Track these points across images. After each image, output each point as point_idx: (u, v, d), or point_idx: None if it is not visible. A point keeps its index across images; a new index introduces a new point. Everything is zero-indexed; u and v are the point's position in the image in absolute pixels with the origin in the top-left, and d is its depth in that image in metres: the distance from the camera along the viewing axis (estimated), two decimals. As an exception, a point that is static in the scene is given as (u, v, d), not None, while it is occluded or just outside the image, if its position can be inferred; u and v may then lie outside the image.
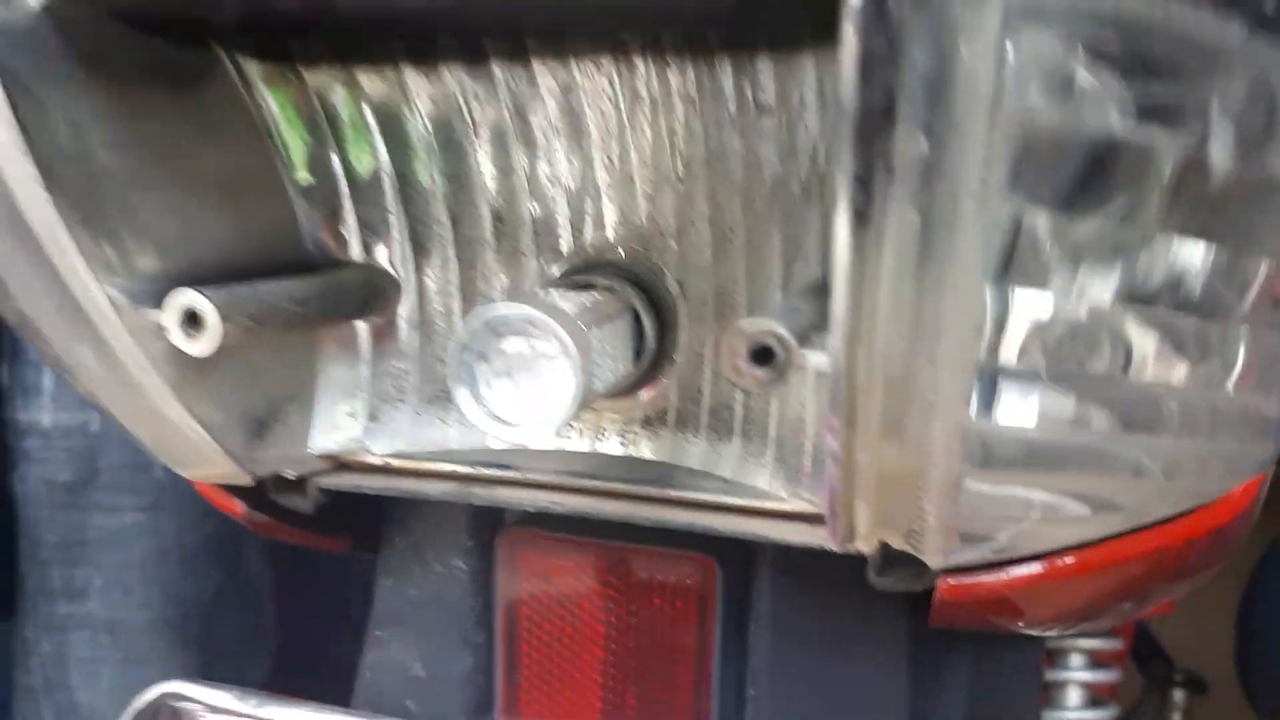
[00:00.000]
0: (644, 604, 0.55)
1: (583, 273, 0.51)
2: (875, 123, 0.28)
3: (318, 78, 0.49)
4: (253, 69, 0.48)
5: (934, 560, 0.40)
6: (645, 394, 0.52)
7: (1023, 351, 0.33)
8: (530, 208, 0.51)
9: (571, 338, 0.42)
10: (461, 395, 0.43)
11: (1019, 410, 0.34)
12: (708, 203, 0.48)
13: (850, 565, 0.54)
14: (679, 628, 0.55)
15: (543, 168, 0.50)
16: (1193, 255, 0.34)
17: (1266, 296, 0.39)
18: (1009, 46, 0.26)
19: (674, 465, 0.51)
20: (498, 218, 0.52)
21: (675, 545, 0.54)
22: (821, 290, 0.43)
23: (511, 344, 0.43)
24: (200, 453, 0.47)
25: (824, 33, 0.40)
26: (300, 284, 0.47)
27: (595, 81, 0.47)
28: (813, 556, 0.53)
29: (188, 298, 0.41)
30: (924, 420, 0.33)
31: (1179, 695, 1.24)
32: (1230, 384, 0.40)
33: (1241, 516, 0.49)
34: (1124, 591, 0.49)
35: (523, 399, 0.43)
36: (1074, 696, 0.72)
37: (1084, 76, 0.28)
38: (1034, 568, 0.42)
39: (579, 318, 0.44)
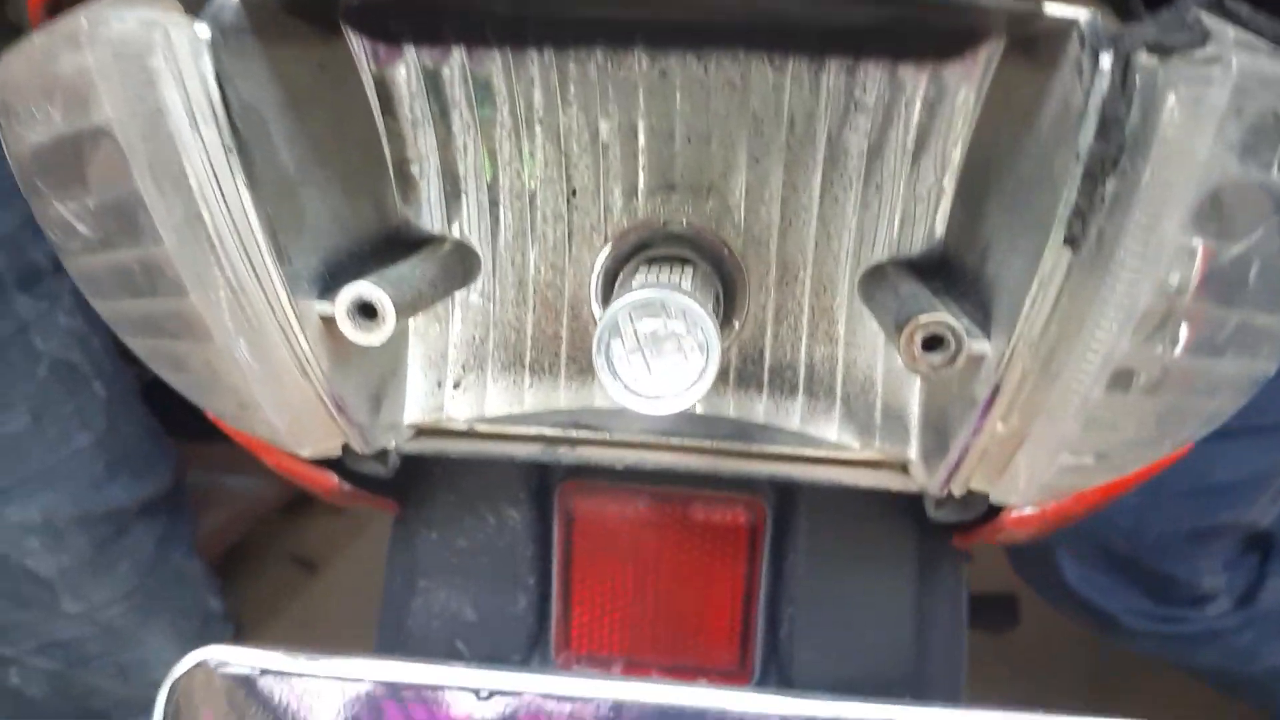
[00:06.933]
0: (697, 541, 0.62)
1: (655, 246, 0.55)
2: (1098, 170, 0.35)
3: (422, 56, 0.49)
4: (365, 47, 0.48)
5: (1015, 503, 0.49)
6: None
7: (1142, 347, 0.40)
8: (605, 182, 0.54)
9: (710, 321, 0.46)
10: (602, 371, 0.47)
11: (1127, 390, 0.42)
12: (783, 185, 0.53)
13: (873, 501, 0.63)
14: (729, 561, 0.62)
15: (623, 144, 0.53)
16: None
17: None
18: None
19: (744, 420, 0.57)
20: (572, 191, 0.55)
21: (725, 489, 0.61)
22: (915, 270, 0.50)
23: (645, 325, 0.47)
24: (330, 432, 0.48)
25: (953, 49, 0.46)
26: (430, 265, 0.48)
27: (690, 70, 0.51)
28: (842, 495, 0.61)
29: (362, 290, 0.42)
30: (1056, 399, 0.41)
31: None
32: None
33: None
34: (1094, 509, 0.61)
35: (654, 373, 0.48)
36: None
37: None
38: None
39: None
